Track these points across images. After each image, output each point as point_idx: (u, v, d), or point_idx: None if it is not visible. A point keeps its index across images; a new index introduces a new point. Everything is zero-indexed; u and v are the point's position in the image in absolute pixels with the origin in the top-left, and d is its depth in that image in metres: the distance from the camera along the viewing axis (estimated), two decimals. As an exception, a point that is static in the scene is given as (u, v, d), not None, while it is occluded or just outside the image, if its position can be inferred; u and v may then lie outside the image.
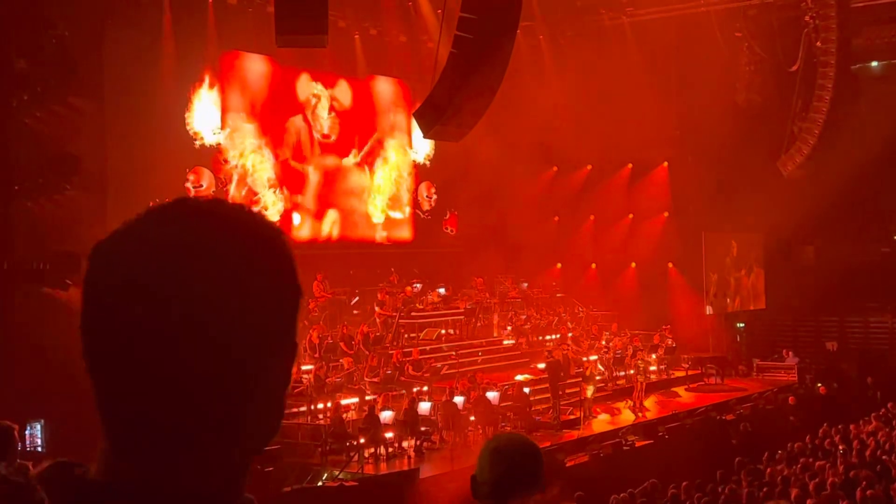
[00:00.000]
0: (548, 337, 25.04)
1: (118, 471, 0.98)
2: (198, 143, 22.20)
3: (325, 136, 25.55)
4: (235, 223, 1.02)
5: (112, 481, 0.98)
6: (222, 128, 22.76)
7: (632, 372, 22.26)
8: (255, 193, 23.69)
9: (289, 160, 24.58)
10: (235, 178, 23.25)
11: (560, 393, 19.76)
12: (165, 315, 0.95)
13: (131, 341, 0.96)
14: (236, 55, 23.39)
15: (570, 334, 25.03)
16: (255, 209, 1.13)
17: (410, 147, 27.37)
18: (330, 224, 25.61)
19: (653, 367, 24.08)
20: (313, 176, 25.19)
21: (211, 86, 22.45)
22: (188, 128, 21.98)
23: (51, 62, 17.31)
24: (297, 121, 24.88)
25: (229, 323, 0.97)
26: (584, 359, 22.03)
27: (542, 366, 21.24)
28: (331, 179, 25.66)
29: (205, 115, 22.30)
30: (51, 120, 17.32)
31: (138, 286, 0.96)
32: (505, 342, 24.48)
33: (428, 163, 27.66)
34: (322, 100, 25.45)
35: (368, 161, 26.69)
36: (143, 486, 0.97)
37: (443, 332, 23.32)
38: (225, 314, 0.97)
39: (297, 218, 24.68)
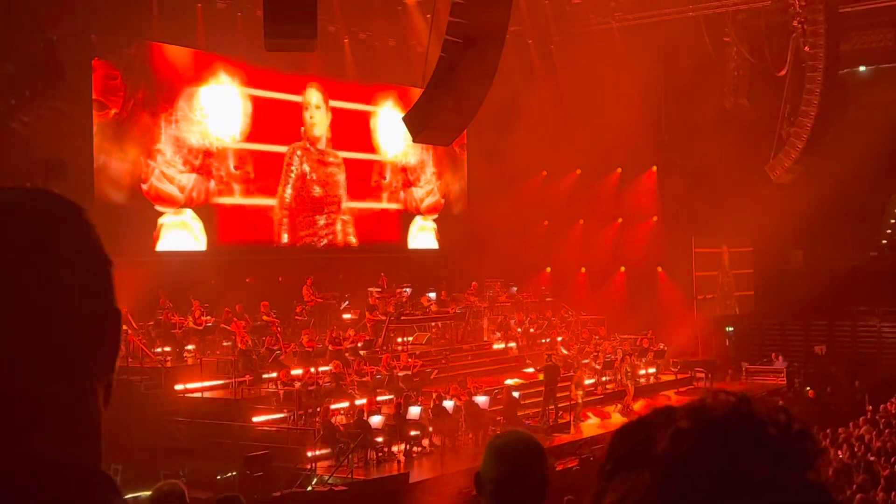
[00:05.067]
0: (538, 341, 25.02)
1: None
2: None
3: (315, 140, 25.55)
4: (20, 205, 1.06)
5: None
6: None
7: (621, 376, 22.29)
8: (247, 196, 23.69)
9: (281, 164, 24.58)
10: (223, 178, 23.25)
11: (555, 397, 19.82)
12: None
13: None
14: (226, 60, 23.34)
15: (559, 338, 25.02)
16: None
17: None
18: (322, 228, 25.61)
19: (642, 371, 24.15)
20: (304, 179, 25.18)
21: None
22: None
23: (39, 66, 17.26)
24: (288, 124, 24.85)
25: (32, 295, 1.01)
26: (574, 363, 22.04)
27: (531, 370, 21.23)
28: (322, 183, 25.65)
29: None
30: (38, 124, 17.24)
31: None
32: (494, 346, 24.47)
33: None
34: (311, 104, 25.43)
35: (359, 164, 26.70)
36: None
37: (432, 336, 23.31)
38: (27, 287, 1.01)
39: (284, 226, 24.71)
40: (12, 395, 1.00)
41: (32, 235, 1.03)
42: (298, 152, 25.16)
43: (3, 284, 1.00)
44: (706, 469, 0.81)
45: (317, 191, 25.59)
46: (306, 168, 25.34)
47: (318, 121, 25.60)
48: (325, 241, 25.76)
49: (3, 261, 1.01)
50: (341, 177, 26.23)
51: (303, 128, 25.31)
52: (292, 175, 24.93)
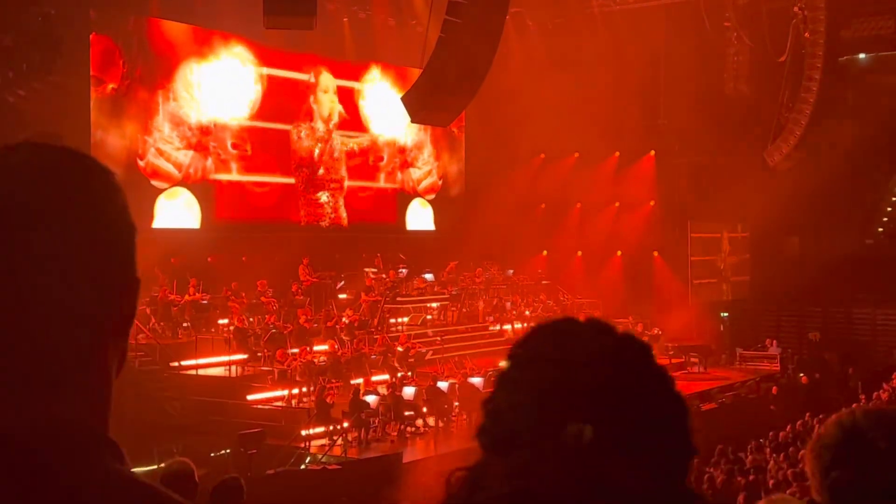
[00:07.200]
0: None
1: None
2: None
3: (325, 120, 25.51)
4: (59, 162, 1.08)
5: None
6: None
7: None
8: (244, 174, 23.64)
9: (279, 141, 24.53)
10: (220, 155, 23.20)
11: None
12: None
13: None
14: (225, 36, 23.23)
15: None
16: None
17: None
18: (322, 206, 25.60)
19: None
20: (311, 158, 25.17)
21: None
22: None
23: (36, 40, 17.16)
24: (286, 101, 24.77)
25: (60, 255, 1.01)
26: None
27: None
28: (319, 161, 25.60)
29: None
30: (35, 98, 17.15)
31: None
32: (490, 328, 24.50)
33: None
34: (319, 86, 25.36)
35: (356, 144, 26.64)
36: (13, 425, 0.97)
37: (428, 317, 23.33)
38: (55, 246, 1.01)
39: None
40: (27, 350, 0.99)
41: (62, 194, 1.03)
42: (304, 132, 25.14)
43: (26, 240, 1.00)
44: None
45: (320, 171, 25.57)
46: (311, 147, 25.33)
47: (327, 103, 25.53)
48: (328, 220, 25.74)
49: (29, 216, 1.00)
50: (343, 157, 26.20)
51: (315, 107, 25.28)
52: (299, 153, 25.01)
